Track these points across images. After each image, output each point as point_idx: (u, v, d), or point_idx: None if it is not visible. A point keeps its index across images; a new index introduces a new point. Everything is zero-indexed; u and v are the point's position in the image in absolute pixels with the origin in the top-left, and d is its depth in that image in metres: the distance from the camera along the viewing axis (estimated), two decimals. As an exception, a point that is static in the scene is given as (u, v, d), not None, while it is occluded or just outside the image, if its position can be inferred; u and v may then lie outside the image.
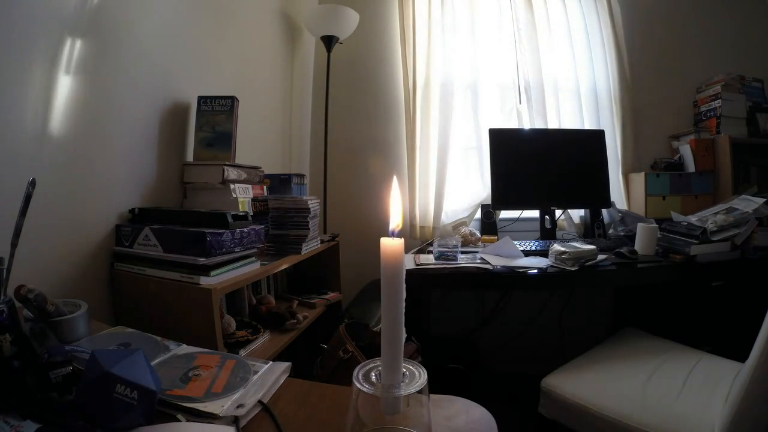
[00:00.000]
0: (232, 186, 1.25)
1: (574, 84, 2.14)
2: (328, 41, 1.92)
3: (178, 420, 0.52)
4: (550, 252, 1.46)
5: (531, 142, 1.93)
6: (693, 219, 1.58)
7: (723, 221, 1.50)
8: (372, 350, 1.22)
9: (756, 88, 2.14)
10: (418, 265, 1.47)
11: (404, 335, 0.44)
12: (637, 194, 2.07)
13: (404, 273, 0.45)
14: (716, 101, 2.08)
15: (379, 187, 2.16)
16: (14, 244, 0.58)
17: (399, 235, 0.43)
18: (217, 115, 1.28)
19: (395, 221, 0.44)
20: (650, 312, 1.88)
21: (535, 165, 1.87)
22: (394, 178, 0.46)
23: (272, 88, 1.93)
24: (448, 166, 2.09)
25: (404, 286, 0.45)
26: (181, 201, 1.28)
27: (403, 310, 0.45)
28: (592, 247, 1.45)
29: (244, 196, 1.30)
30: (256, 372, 0.63)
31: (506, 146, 1.88)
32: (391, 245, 0.42)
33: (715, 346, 1.40)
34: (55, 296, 0.73)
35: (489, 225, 1.98)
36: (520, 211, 2.10)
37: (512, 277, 1.40)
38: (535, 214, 1.92)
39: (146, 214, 1.06)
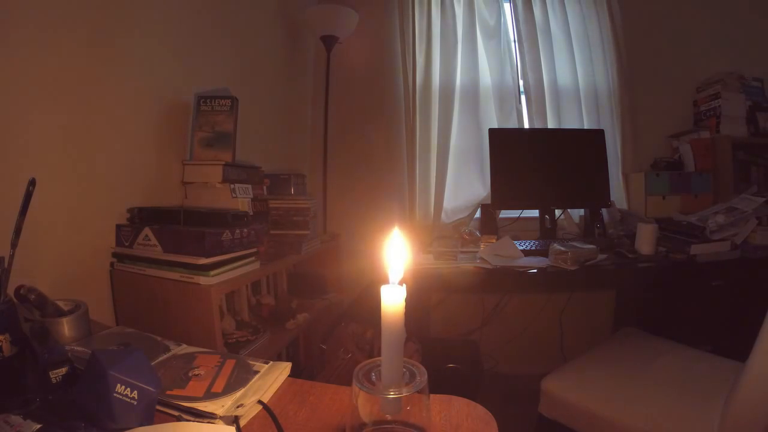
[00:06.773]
0: (232, 186, 1.25)
1: (574, 84, 2.14)
2: (328, 41, 1.92)
3: (178, 420, 0.52)
4: (550, 252, 1.46)
5: (531, 142, 1.93)
6: (693, 218, 1.58)
7: (723, 221, 1.50)
8: (372, 350, 1.22)
9: (756, 87, 2.14)
10: (417, 265, 1.47)
11: (404, 335, 0.44)
12: (637, 194, 2.06)
13: (404, 327, 0.42)
14: (716, 101, 2.07)
15: (380, 187, 2.16)
16: (14, 244, 0.58)
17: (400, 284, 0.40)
18: (217, 114, 1.28)
19: (397, 276, 0.41)
20: (650, 312, 1.87)
21: (535, 165, 1.87)
22: (396, 229, 0.43)
23: (272, 88, 1.92)
24: (448, 165, 2.08)
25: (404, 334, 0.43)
26: (181, 200, 1.28)
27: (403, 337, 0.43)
28: (592, 246, 1.45)
29: (244, 196, 1.29)
30: (256, 372, 0.63)
31: (506, 146, 1.88)
32: (392, 306, 0.40)
33: (715, 346, 1.40)
34: (55, 296, 0.73)
35: (489, 225, 1.98)
36: (520, 211, 2.09)
37: (512, 276, 1.40)
38: (535, 213, 1.92)
39: (146, 214, 1.06)
